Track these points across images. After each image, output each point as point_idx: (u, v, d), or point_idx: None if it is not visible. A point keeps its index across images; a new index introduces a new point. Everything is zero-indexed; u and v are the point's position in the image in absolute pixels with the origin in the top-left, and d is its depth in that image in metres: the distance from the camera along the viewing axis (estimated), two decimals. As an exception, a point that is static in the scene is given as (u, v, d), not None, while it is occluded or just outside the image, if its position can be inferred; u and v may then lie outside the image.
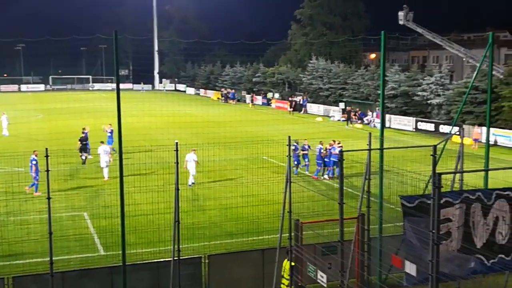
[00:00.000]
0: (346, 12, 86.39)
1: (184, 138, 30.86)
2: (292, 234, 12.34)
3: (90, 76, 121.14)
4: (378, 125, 47.35)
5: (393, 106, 51.82)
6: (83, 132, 30.56)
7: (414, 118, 48.51)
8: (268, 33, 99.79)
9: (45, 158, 11.64)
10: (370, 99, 56.54)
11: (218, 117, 53.74)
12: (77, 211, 20.75)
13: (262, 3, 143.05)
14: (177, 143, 12.30)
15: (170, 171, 17.87)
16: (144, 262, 14.38)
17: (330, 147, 26.77)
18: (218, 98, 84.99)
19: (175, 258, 12.68)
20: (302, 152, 27.60)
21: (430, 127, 45.89)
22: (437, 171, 8.10)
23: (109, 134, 32.65)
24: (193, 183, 24.85)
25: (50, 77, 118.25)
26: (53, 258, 11.70)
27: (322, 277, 10.78)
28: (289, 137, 12.78)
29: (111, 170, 25.80)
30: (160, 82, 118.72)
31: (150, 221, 17.66)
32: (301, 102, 65.41)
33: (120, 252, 12.64)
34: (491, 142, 34.81)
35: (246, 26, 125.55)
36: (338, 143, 27.12)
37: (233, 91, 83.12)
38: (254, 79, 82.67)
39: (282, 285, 12.86)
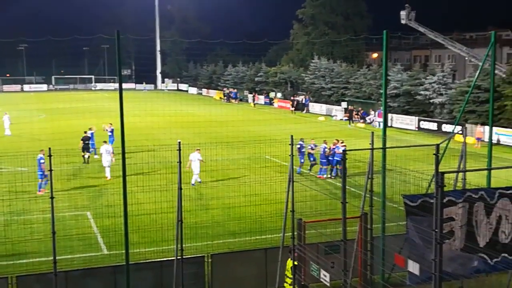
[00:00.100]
0: (348, 12, 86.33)
1: (186, 137, 30.88)
2: (295, 233, 12.35)
3: (93, 76, 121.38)
4: (381, 124, 47.44)
5: (396, 105, 51.79)
6: (85, 132, 30.63)
7: (417, 117, 48.47)
8: (268, 33, 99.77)
9: (48, 158, 11.68)
10: (372, 99, 56.50)
11: (220, 116, 53.75)
12: (80, 211, 20.79)
13: (262, 3, 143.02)
14: (179, 142, 12.32)
15: (172, 170, 17.90)
16: (147, 261, 14.40)
17: (334, 146, 26.83)
18: (220, 97, 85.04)
19: (178, 258, 12.70)
20: (310, 150, 27.52)
21: (433, 126, 45.85)
22: (440, 170, 8.10)
23: (110, 134, 32.72)
24: (199, 182, 24.91)
25: (53, 77, 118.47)
26: (57, 258, 11.73)
27: (325, 276, 10.79)
28: (292, 136, 12.79)
29: (114, 170, 25.84)
30: (163, 82, 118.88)
31: (153, 221, 17.68)
32: (303, 102, 65.41)
33: (123, 251, 12.66)
34: (494, 141, 34.78)
35: (246, 26, 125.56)
36: (342, 142, 27.16)
37: (235, 90, 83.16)
38: (256, 79, 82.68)
39: (285, 284, 12.87)
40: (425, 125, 46.89)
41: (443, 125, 44.38)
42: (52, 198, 11.53)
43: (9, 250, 16.06)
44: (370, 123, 51.37)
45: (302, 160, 27.47)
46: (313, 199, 17.26)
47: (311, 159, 27.76)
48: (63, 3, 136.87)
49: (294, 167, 12.92)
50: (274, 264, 13.23)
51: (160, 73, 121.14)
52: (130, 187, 13.17)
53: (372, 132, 12.83)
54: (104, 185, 24.97)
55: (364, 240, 12.39)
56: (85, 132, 30.60)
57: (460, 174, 13.41)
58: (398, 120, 49.80)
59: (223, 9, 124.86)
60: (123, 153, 12.32)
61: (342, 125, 51.05)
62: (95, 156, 30.06)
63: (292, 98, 67.04)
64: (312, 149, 27.59)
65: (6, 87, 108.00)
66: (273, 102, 73.40)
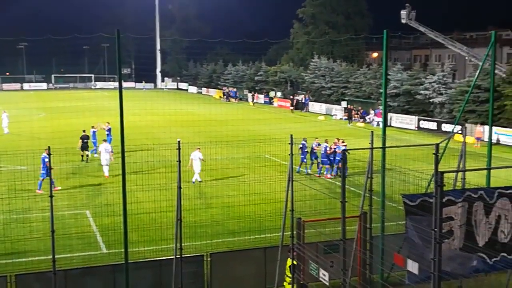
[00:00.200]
0: (348, 11, 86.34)
1: (186, 136, 30.87)
2: (294, 232, 12.34)
3: (93, 75, 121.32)
4: (379, 124, 47.48)
5: (396, 104, 51.79)
6: (83, 131, 30.60)
7: (417, 117, 48.48)
8: (268, 33, 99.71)
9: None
10: (372, 98, 56.52)
11: (220, 115, 53.75)
12: (80, 209, 20.79)
13: (262, 3, 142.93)
14: (179, 141, 12.32)
15: (172, 169, 17.88)
16: (146, 260, 14.41)
17: (334, 146, 26.86)
18: (220, 96, 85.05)
19: (178, 256, 12.70)
20: (315, 147, 27.44)
21: (433, 125, 45.86)
22: (439, 170, 8.10)
23: (107, 132, 32.70)
24: (199, 181, 24.95)
25: (53, 75, 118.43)
26: (56, 256, 11.71)
27: (324, 275, 10.79)
28: (291, 135, 12.78)
29: (113, 169, 25.85)
30: (163, 80, 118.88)
31: (152, 219, 17.69)
32: (303, 101, 65.42)
33: (123, 250, 12.65)
34: (494, 141, 34.77)
35: (246, 25, 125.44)
36: (342, 142, 27.19)
37: (234, 89, 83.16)
38: (256, 78, 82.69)
39: (285, 283, 12.88)
40: (425, 124, 46.90)
41: (443, 125, 44.39)
42: (51, 196, 11.53)
43: (8, 248, 16.05)
44: (370, 122, 51.38)
45: (305, 160, 27.43)
46: (313, 198, 17.25)
47: (313, 158, 27.70)
48: (63, 3, 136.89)
49: (293, 166, 12.92)
50: (273, 263, 13.23)
51: (160, 72, 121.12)
52: (129, 186, 13.17)
53: (372, 132, 12.82)
54: (103, 183, 24.96)
55: (364, 239, 12.38)
56: (84, 131, 30.59)
57: (460, 174, 13.41)
58: (398, 120, 49.80)
59: (223, 9, 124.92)
60: (123, 151, 12.31)
61: (342, 125, 51.05)
62: (96, 155, 30.01)
63: (291, 97, 67.04)
64: (317, 146, 27.51)
65: (6, 86, 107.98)
66: (273, 101, 73.40)
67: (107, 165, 26.26)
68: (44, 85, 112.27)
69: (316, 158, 27.54)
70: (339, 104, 59.19)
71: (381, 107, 48.03)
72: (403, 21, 60.08)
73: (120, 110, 12.24)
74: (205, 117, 49.03)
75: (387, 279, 13.05)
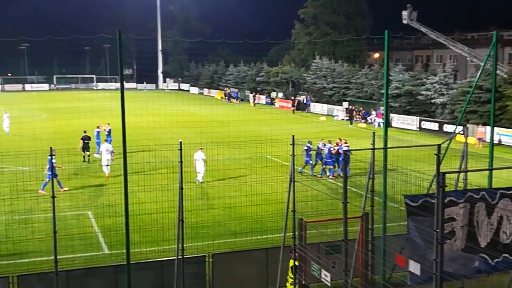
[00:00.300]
0: (349, 12, 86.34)
1: (187, 137, 30.90)
2: (296, 233, 12.35)
3: (94, 76, 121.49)
4: (380, 124, 47.46)
5: (397, 105, 51.78)
6: (84, 131, 30.60)
7: (418, 118, 48.45)
8: (268, 33, 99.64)
9: (50, 157, 11.70)
10: (373, 99, 56.50)
11: (221, 116, 53.76)
12: (82, 210, 20.81)
13: (262, 3, 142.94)
14: (181, 142, 12.33)
15: (174, 170, 17.93)
16: (148, 261, 14.41)
17: (337, 147, 26.85)
18: (221, 97, 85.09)
19: (179, 257, 12.71)
20: (322, 148, 27.40)
21: (434, 126, 45.82)
22: (441, 171, 8.10)
23: (107, 133, 32.71)
24: (200, 182, 24.99)
25: (54, 76, 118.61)
26: (58, 257, 11.74)
27: (326, 276, 10.79)
28: (293, 136, 12.78)
29: (115, 169, 25.87)
30: (164, 81, 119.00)
31: (154, 220, 17.71)
32: (304, 102, 65.40)
33: (125, 251, 12.66)
34: (495, 142, 34.75)
35: (247, 26, 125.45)
36: (345, 142, 27.18)
37: (236, 90, 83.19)
38: (257, 79, 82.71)
39: (287, 283, 12.89)
40: (426, 125, 46.86)
41: (445, 125, 44.35)
42: (53, 197, 11.55)
43: (10, 249, 16.07)
44: (371, 123, 51.36)
45: (311, 162, 27.36)
46: (314, 199, 17.26)
47: (318, 159, 27.61)
48: (63, 3, 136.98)
49: (295, 166, 12.92)
50: (275, 264, 13.23)
51: (162, 72, 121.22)
52: (131, 187, 13.18)
53: (374, 132, 12.81)
54: (105, 184, 24.99)
55: (365, 240, 12.38)
56: (85, 132, 30.60)
57: (461, 174, 13.40)
58: (399, 120, 49.77)
59: (223, 9, 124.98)
60: (124, 152, 12.32)
61: (344, 125, 51.03)
62: (96, 155, 29.99)
63: (293, 98, 67.04)
64: (323, 147, 27.45)
65: (7, 87, 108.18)
66: (275, 102, 73.41)
67: (107, 165, 26.28)
68: (45, 86, 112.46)
69: (321, 159, 27.51)
70: (341, 105, 59.18)
71: (382, 108, 48.05)
72: (405, 21, 60.11)
73: (122, 110, 12.24)
74: (206, 118, 49.05)
75: (389, 280, 13.04)
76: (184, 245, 12.70)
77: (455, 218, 9.46)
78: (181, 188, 12.49)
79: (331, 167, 26.99)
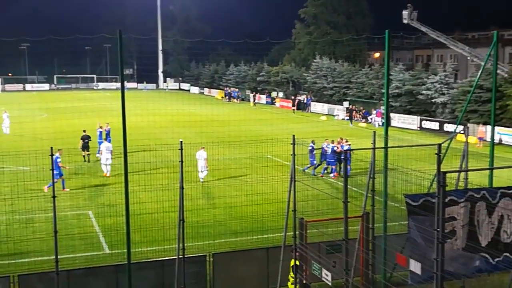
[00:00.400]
0: (350, 11, 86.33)
1: (188, 137, 30.91)
2: (297, 232, 12.34)
3: (95, 76, 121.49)
4: (380, 124, 47.43)
5: (398, 105, 51.78)
6: (84, 131, 30.59)
7: (419, 117, 48.45)
8: (268, 33, 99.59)
9: (50, 157, 11.71)
10: (374, 98, 56.48)
11: (222, 116, 53.75)
12: (82, 210, 20.81)
13: (262, 3, 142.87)
14: (181, 142, 12.34)
15: (174, 170, 17.90)
16: (149, 260, 14.42)
17: (339, 145, 26.86)
18: (222, 97, 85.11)
19: (180, 257, 12.71)
20: (326, 148, 27.34)
21: (435, 126, 45.82)
22: (441, 170, 8.10)
23: (106, 133, 32.66)
24: (201, 182, 25.01)
25: (55, 76, 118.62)
26: (59, 257, 11.74)
27: (326, 275, 10.79)
28: (294, 136, 12.77)
29: (115, 169, 25.87)
30: (165, 81, 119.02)
31: (155, 220, 17.71)
32: (305, 101, 65.40)
33: (125, 250, 12.67)
34: (496, 141, 34.68)
35: (247, 26, 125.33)
36: (346, 141, 27.19)
37: (236, 90, 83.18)
38: (258, 78, 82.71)
39: (288, 283, 12.90)
40: (427, 124, 46.86)
41: (445, 125, 44.35)
42: (54, 197, 11.56)
43: (11, 249, 16.07)
44: (372, 122, 51.35)
45: (315, 162, 27.35)
46: (315, 199, 17.25)
47: (323, 159, 27.56)
48: (63, 3, 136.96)
49: (296, 166, 12.91)
50: (276, 264, 13.23)
51: (162, 72, 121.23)
52: (131, 186, 13.19)
53: (374, 132, 12.81)
54: (105, 184, 24.99)
55: (366, 239, 12.38)
56: (84, 131, 30.58)
57: (462, 174, 13.40)
58: (400, 120, 49.77)
59: (223, 9, 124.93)
60: (125, 152, 12.33)
61: (344, 125, 51.03)
62: (97, 155, 29.96)
63: (293, 97, 67.04)
64: (327, 147, 27.43)
65: (8, 87, 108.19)
66: (275, 102, 73.42)
67: (107, 164, 26.30)
68: (46, 86, 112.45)
69: (326, 159, 27.51)
70: (341, 105, 59.17)
71: (382, 107, 48.05)
72: (405, 21, 60.06)
73: (122, 110, 12.25)
74: (207, 117, 49.02)
75: (389, 279, 13.05)
76: (185, 244, 12.71)
77: (455, 218, 9.47)
78: (182, 188, 12.50)
79: (334, 166, 27.00)
